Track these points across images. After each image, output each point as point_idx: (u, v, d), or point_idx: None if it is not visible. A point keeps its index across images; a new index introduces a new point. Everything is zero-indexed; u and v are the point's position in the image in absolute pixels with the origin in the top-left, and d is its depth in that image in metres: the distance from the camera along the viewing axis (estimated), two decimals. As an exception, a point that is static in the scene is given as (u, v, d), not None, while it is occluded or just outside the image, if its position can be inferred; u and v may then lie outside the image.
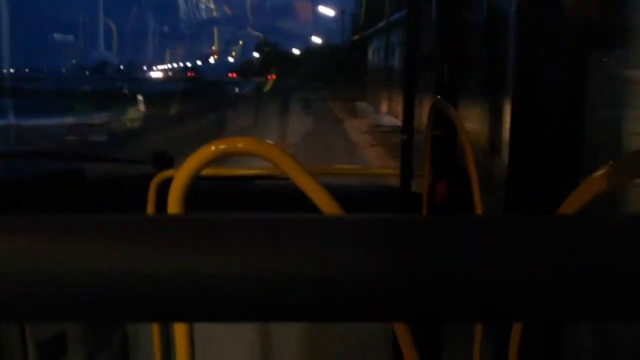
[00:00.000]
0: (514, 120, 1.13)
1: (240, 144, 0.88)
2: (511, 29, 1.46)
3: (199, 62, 21.98)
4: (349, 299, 0.28)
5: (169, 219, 0.31)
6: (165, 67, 19.09)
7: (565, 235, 0.28)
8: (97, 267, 0.27)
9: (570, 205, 0.66)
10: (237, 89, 20.34)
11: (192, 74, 20.59)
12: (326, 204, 0.90)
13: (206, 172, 0.94)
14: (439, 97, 1.59)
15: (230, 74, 22.61)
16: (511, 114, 1.12)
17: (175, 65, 19.92)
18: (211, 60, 23.14)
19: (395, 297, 0.27)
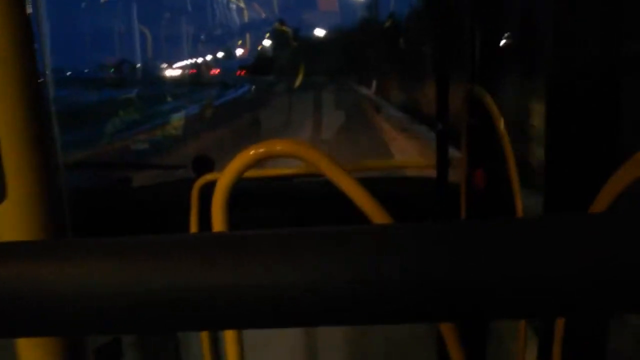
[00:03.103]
0: (549, 109, 1.11)
1: (279, 146, 0.91)
2: (548, 14, 1.42)
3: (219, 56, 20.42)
4: (397, 301, 0.29)
5: (218, 236, 0.33)
6: (183, 64, 18.17)
7: (600, 234, 0.29)
8: (149, 283, 0.30)
9: (606, 195, 0.66)
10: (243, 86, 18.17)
11: (214, 71, 19.48)
12: (363, 200, 0.92)
13: (245, 173, 0.97)
14: (474, 84, 1.57)
15: (238, 72, 20.39)
16: (546, 104, 1.11)
17: (196, 61, 18.90)
18: (238, 53, 21.19)
19: (444, 298, 0.29)
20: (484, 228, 0.30)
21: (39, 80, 0.55)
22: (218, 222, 0.98)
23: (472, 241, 0.30)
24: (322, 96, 13.46)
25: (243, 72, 19.93)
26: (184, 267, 0.30)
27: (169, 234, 0.32)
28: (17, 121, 0.52)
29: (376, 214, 0.90)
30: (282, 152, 0.91)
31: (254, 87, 18.10)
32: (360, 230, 0.31)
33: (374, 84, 15.28)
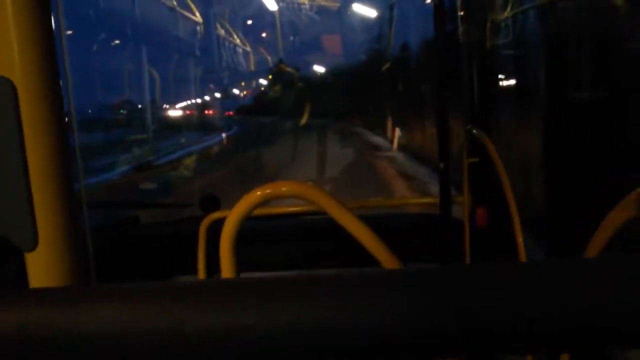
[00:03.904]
0: (547, 143, 1.15)
1: (284, 187, 0.94)
2: (541, 56, 1.48)
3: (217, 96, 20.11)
4: (399, 343, 0.32)
5: (234, 282, 0.36)
6: (184, 104, 17.93)
7: (592, 279, 0.32)
8: (161, 326, 0.33)
9: (609, 225, 0.69)
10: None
11: (208, 111, 19.05)
12: (367, 238, 0.95)
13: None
14: (471, 125, 1.62)
15: (227, 113, 19.50)
16: (543, 141, 1.14)
17: (196, 101, 18.75)
18: (241, 93, 21.03)
19: (450, 336, 0.32)
20: (483, 273, 0.33)
21: (65, 122, 0.58)
22: (226, 263, 1.01)
23: (474, 285, 0.33)
24: (322, 147, 10.59)
25: (232, 113, 19.79)
26: (195, 311, 0.33)
27: (177, 281, 0.35)
28: (47, 167, 0.54)
29: (380, 253, 0.93)
30: (288, 193, 0.95)
31: (236, 131, 16.74)
32: (362, 275, 0.34)
33: (394, 129, 11.28)
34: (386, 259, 0.94)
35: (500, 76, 1.79)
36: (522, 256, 1.31)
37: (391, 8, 12.42)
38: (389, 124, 12.16)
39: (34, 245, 0.54)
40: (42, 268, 0.55)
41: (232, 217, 0.98)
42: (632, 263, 0.33)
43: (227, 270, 1.02)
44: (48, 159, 0.54)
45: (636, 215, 0.62)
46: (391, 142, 11.16)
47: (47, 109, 0.54)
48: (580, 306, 0.31)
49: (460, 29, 1.82)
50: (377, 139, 12.65)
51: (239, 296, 0.33)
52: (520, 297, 0.31)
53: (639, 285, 0.31)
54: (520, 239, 1.32)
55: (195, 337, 0.32)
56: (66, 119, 0.57)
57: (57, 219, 0.55)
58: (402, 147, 10.11)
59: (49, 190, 0.54)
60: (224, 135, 16.38)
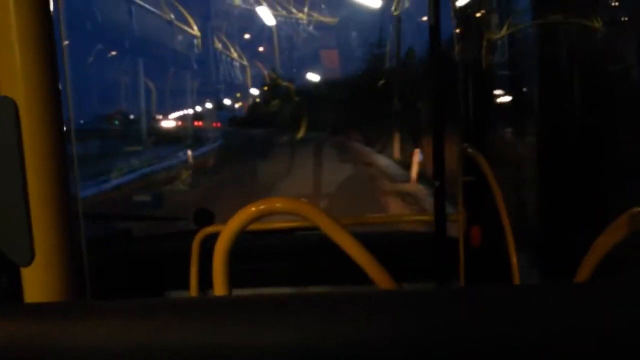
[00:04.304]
0: (541, 161, 1.15)
1: (278, 204, 0.94)
2: (535, 75, 1.49)
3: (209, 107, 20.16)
4: None
5: (221, 300, 0.36)
6: (177, 115, 17.94)
7: (581, 304, 0.33)
8: (153, 343, 0.33)
9: (599, 248, 0.70)
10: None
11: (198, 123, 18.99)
12: (360, 256, 0.95)
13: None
14: (466, 144, 1.63)
15: (214, 124, 19.58)
16: (537, 155, 1.15)
17: (187, 113, 18.79)
18: (235, 105, 21.17)
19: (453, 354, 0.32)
20: (474, 296, 0.34)
21: (63, 136, 0.58)
22: (219, 278, 1.00)
23: (466, 309, 0.33)
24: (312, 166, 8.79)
25: (219, 124, 19.51)
26: (187, 329, 0.33)
27: (172, 298, 0.35)
28: (45, 182, 0.54)
29: (374, 271, 0.93)
30: (282, 209, 0.95)
31: (219, 144, 15.69)
32: (351, 295, 0.34)
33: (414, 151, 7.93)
34: (379, 277, 0.94)
35: (496, 94, 1.80)
36: (516, 277, 1.31)
37: (398, 19, 12.26)
38: (397, 142, 10.03)
39: (30, 260, 0.54)
40: (37, 283, 0.55)
41: (226, 232, 0.98)
42: (618, 287, 0.34)
43: (219, 285, 1.02)
44: (46, 173, 0.54)
45: (624, 238, 0.63)
46: (409, 168, 7.92)
47: (47, 125, 0.55)
48: (567, 330, 0.32)
49: (457, 48, 1.84)
50: (385, 163, 9.95)
51: (230, 314, 0.34)
52: (508, 321, 0.32)
53: (623, 310, 0.32)
54: (514, 259, 1.32)
55: (186, 355, 0.32)
56: (65, 129, 0.58)
57: (55, 233, 0.55)
58: (422, 177, 7.16)
59: (47, 205, 0.54)
60: (205, 149, 15.17)
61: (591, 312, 0.32)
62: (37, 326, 0.34)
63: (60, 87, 0.57)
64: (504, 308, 0.33)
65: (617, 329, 0.31)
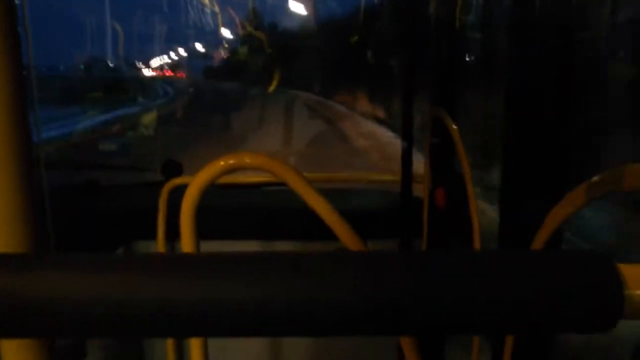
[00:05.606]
0: (507, 127, 1.17)
1: (248, 159, 0.94)
2: (505, 35, 1.50)
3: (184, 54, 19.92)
4: (358, 316, 0.34)
5: (189, 257, 0.36)
6: (156, 62, 17.72)
7: (533, 269, 0.35)
8: (123, 295, 0.33)
9: (554, 218, 0.73)
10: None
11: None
12: (327, 213, 0.96)
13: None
14: (436, 105, 1.64)
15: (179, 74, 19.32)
16: (504, 121, 1.16)
17: (168, 59, 18.52)
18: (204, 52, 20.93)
19: (406, 314, 0.34)
20: (437, 258, 0.35)
21: (23, 80, 0.55)
22: (186, 230, 1.01)
23: (426, 269, 0.35)
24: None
25: (183, 74, 19.48)
26: (153, 283, 0.34)
27: (140, 254, 0.36)
28: (3, 126, 0.52)
29: (340, 228, 0.95)
30: (251, 165, 0.95)
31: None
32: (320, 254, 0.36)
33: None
34: (345, 235, 0.96)
35: (468, 58, 1.81)
36: (477, 240, 1.35)
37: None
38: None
39: None
40: None
41: (195, 184, 0.98)
42: (567, 256, 0.35)
43: (186, 237, 1.02)
44: (5, 117, 0.52)
45: (581, 207, 0.65)
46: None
47: (4, 67, 0.52)
48: (521, 293, 0.34)
49: (431, 8, 1.82)
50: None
51: (192, 270, 0.34)
52: (465, 283, 0.34)
53: (572, 278, 0.34)
54: (476, 223, 1.36)
55: (145, 308, 0.33)
56: (24, 72, 0.55)
57: (14, 182, 0.53)
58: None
59: (5, 153, 0.52)
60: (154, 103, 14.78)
61: (539, 277, 0.34)
62: None
63: (19, 30, 0.55)
64: (453, 273, 0.34)
65: (560, 293, 0.33)
